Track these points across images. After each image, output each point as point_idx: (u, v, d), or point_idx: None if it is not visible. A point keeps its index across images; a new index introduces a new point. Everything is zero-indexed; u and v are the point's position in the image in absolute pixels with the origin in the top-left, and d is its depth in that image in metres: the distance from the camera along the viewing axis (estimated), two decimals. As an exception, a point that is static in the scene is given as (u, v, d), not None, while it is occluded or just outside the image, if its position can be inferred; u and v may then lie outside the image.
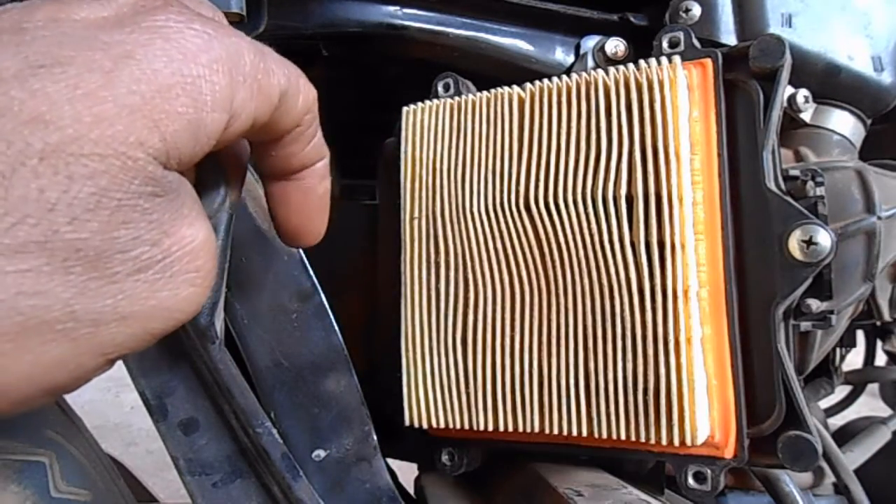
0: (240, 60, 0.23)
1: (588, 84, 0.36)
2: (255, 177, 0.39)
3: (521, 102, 0.38)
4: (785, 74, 0.34)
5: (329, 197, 0.32)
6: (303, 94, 0.29)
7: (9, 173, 0.18)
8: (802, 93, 0.44)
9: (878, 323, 0.58)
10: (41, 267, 0.18)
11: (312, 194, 0.30)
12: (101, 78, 0.19)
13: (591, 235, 0.35)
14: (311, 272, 0.39)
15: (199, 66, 0.22)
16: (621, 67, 0.35)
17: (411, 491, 0.45)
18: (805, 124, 0.46)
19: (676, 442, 0.33)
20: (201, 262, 0.23)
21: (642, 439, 0.33)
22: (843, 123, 0.47)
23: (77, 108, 0.19)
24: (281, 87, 0.26)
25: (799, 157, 0.46)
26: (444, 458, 0.41)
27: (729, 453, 0.34)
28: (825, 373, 0.65)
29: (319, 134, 0.32)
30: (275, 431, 0.37)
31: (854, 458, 0.59)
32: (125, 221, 0.20)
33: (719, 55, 0.35)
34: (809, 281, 0.34)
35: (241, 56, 0.24)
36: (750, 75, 0.35)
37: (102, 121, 0.19)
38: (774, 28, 0.42)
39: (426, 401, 0.39)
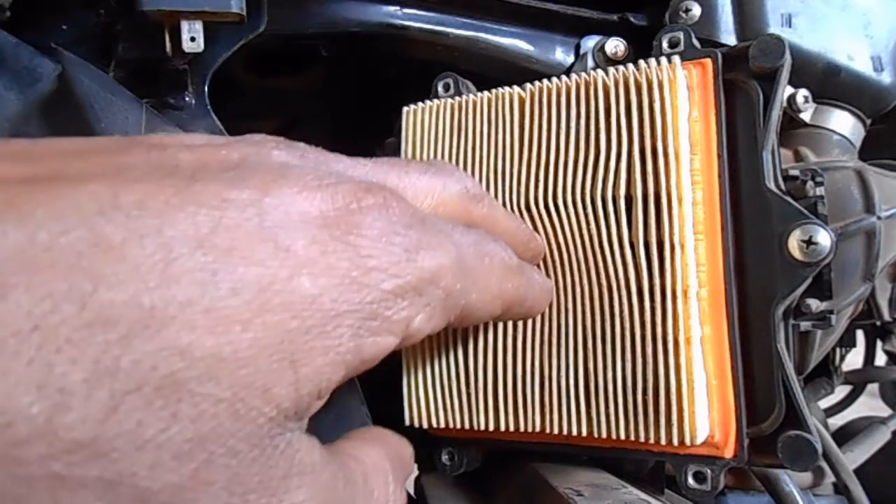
0: (434, 284, 0.21)
1: (588, 84, 0.36)
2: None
3: (522, 102, 0.38)
4: (785, 74, 0.34)
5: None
6: (500, 300, 0.26)
7: (120, 395, 0.15)
8: (802, 93, 0.44)
9: (878, 323, 0.58)
10: None
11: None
12: (259, 306, 0.17)
13: (591, 235, 0.35)
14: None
15: (380, 290, 0.19)
16: (621, 67, 0.35)
17: (411, 491, 0.45)
18: (805, 124, 0.46)
19: (676, 442, 0.33)
20: None
21: (642, 439, 0.33)
22: (843, 123, 0.47)
23: (220, 340, 0.16)
24: (470, 302, 0.24)
25: (799, 157, 0.46)
26: (444, 458, 0.41)
27: (729, 453, 0.34)
28: (825, 373, 0.65)
29: (534, 284, 0.31)
30: (275, 431, 0.37)
31: (854, 458, 0.59)
32: (207, 482, 0.16)
33: (719, 55, 0.35)
34: (809, 281, 0.34)
35: (437, 280, 0.21)
36: (750, 75, 0.35)
37: (235, 358, 0.16)
38: (774, 28, 0.42)
39: (426, 401, 0.39)
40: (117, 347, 0.15)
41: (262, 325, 0.17)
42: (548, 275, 0.36)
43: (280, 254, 0.18)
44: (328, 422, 0.39)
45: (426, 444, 0.41)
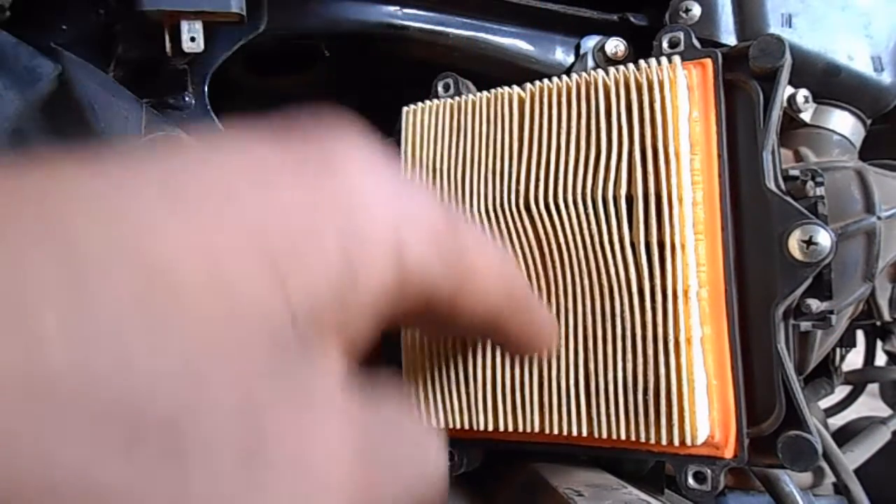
0: (424, 218, 0.20)
1: (588, 84, 0.36)
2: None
3: (521, 102, 0.38)
4: (785, 74, 0.34)
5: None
6: (504, 279, 0.24)
7: (101, 324, 0.14)
8: (802, 93, 0.44)
9: (878, 323, 0.58)
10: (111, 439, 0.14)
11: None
12: (242, 231, 0.17)
13: (591, 236, 0.35)
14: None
15: (365, 210, 0.19)
16: (621, 67, 0.35)
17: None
18: (805, 124, 0.46)
19: (676, 442, 0.33)
20: (325, 479, 0.17)
21: (642, 439, 0.33)
22: (843, 123, 0.47)
23: (203, 264, 0.16)
24: (471, 261, 0.22)
25: (799, 157, 0.46)
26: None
27: (729, 453, 0.34)
28: (825, 373, 0.65)
29: (541, 313, 0.29)
30: (275, 431, 0.37)
31: (854, 458, 0.59)
32: (213, 400, 0.15)
33: (719, 55, 0.35)
34: (809, 281, 0.34)
35: (427, 215, 0.20)
36: (750, 75, 0.35)
37: (220, 279, 0.16)
38: (774, 28, 0.42)
39: (426, 401, 0.39)
40: (94, 278, 0.15)
41: (244, 246, 0.16)
42: (548, 275, 0.36)
43: (257, 183, 0.17)
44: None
45: (426, 444, 0.41)
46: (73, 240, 0.15)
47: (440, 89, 0.43)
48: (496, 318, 0.25)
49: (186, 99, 0.39)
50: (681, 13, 0.42)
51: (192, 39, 0.35)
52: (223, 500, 0.15)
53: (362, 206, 0.19)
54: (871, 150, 0.51)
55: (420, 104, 0.41)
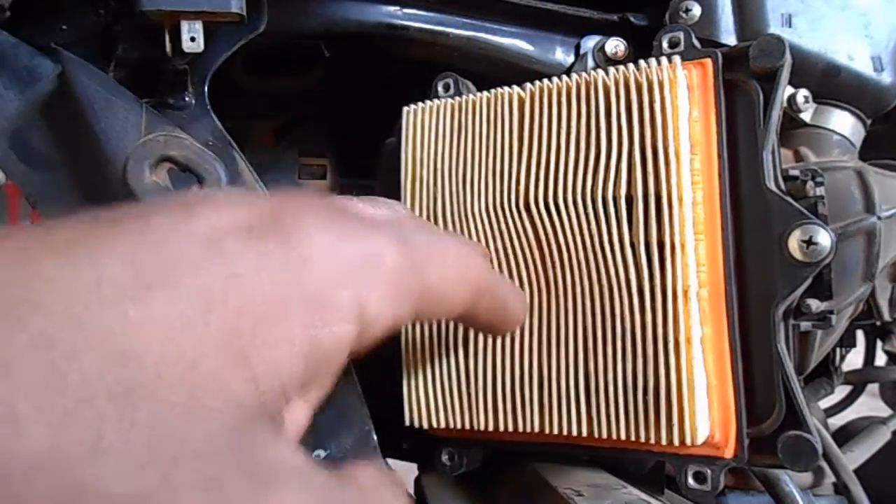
0: (378, 263, 0.21)
1: (588, 84, 0.36)
2: (254, 176, 0.39)
3: (521, 102, 0.38)
4: (785, 74, 0.34)
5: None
6: (466, 283, 0.26)
7: (73, 411, 0.15)
8: (802, 93, 0.44)
9: (878, 323, 0.58)
10: None
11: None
12: (199, 308, 0.17)
13: (591, 236, 0.35)
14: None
15: (318, 276, 0.19)
16: (621, 67, 0.35)
17: (411, 491, 0.45)
18: (805, 124, 0.46)
19: (676, 442, 0.33)
20: None
21: (642, 439, 0.33)
22: (843, 123, 0.47)
23: (167, 345, 0.16)
24: (430, 284, 0.23)
25: (799, 157, 0.46)
26: (444, 458, 0.41)
27: (729, 453, 0.34)
28: (825, 373, 0.65)
29: (507, 294, 0.30)
30: (275, 431, 0.37)
31: (854, 458, 0.59)
32: (179, 485, 0.16)
33: (719, 55, 0.35)
34: (809, 281, 0.34)
35: (379, 258, 0.21)
36: (750, 75, 0.35)
37: (185, 359, 0.17)
38: (774, 28, 0.42)
39: (426, 401, 0.39)
40: (63, 365, 0.15)
41: (205, 325, 0.17)
42: (547, 275, 0.36)
43: (213, 258, 0.18)
44: (328, 422, 0.39)
45: (426, 444, 0.41)
46: (45, 326, 0.15)
47: (440, 89, 0.43)
48: (462, 314, 0.27)
49: (186, 99, 0.39)
50: (681, 13, 0.42)
51: (192, 39, 0.35)
52: None
53: (320, 270, 0.20)
54: (871, 150, 0.51)
55: (420, 104, 0.41)
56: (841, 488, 0.51)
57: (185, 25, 0.35)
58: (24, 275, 0.16)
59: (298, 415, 0.20)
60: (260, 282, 0.18)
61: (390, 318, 0.22)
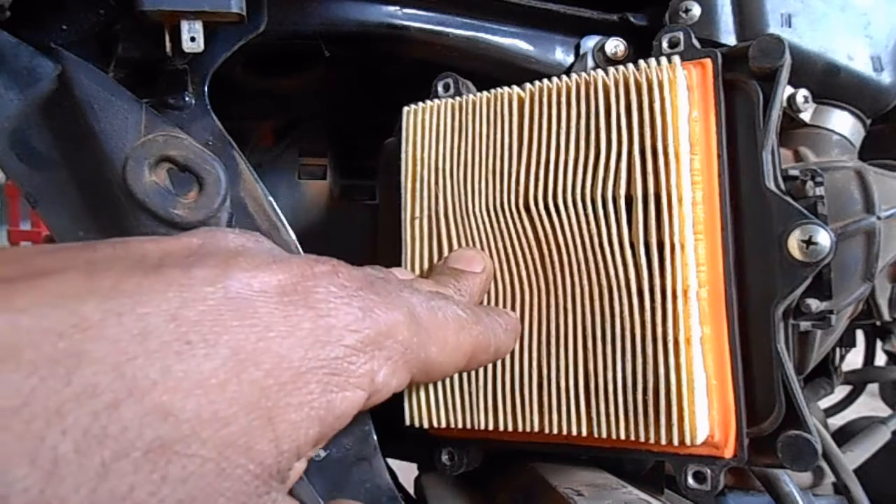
0: (391, 338, 0.23)
1: (588, 84, 0.36)
2: (254, 176, 0.39)
3: (521, 102, 0.38)
4: (784, 74, 0.34)
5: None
6: (462, 351, 0.29)
7: (109, 462, 0.16)
8: (802, 93, 0.44)
9: (878, 323, 0.58)
10: None
11: None
12: (233, 367, 0.18)
13: (591, 236, 0.35)
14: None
15: (341, 346, 0.21)
16: (621, 67, 0.35)
17: (411, 491, 0.45)
18: (805, 124, 0.46)
19: (676, 442, 0.33)
20: None
21: (642, 439, 0.33)
22: (843, 123, 0.47)
23: (203, 403, 0.17)
24: (431, 357, 0.26)
25: (798, 157, 0.46)
26: (444, 458, 0.41)
27: (729, 453, 0.34)
28: (825, 373, 0.65)
29: (496, 329, 0.33)
30: (275, 431, 0.37)
31: (854, 458, 0.59)
32: None
33: (719, 55, 0.35)
34: (809, 281, 0.34)
35: (394, 334, 0.23)
36: (750, 75, 0.35)
37: (218, 418, 0.18)
38: (774, 28, 0.42)
39: (426, 400, 0.39)
40: (104, 416, 0.16)
41: (237, 385, 0.18)
42: (547, 275, 0.36)
43: (246, 320, 0.19)
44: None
45: (426, 444, 0.41)
46: (91, 375, 0.16)
47: (440, 89, 0.43)
48: (461, 369, 0.29)
49: (186, 99, 0.39)
50: (681, 13, 0.42)
51: (192, 39, 0.35)
52: None
53: (341, 341, 0.21)
54: (871, 150, 0.51)
55: (420, 104, 0.41)
56: (841, 488, 0.51)
57: (185, 25, 0.35)
58: (71, 322, 0.17)
59: (303, 463, 0.22)
60: (290, 347, 0.20)
61: (394, 387, 0.24)
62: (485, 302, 0.38)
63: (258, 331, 0.19)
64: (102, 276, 0.18)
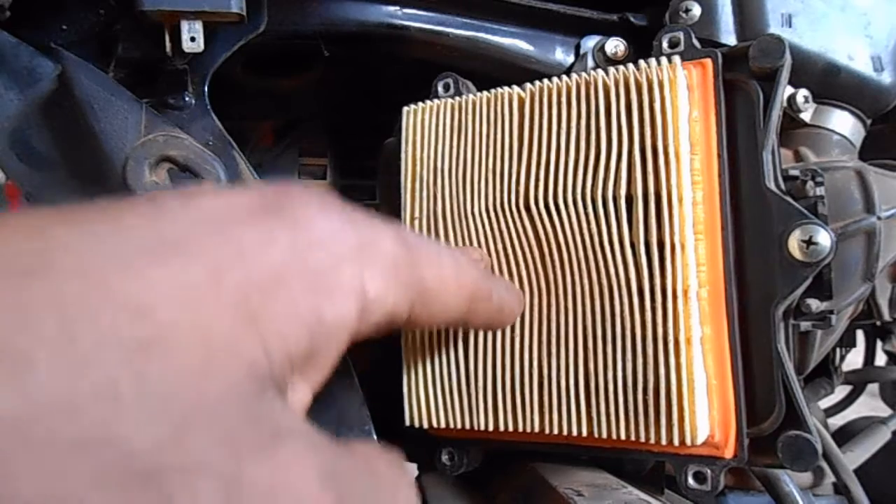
0: (379, 249, 0.22)
1: (588, 84, 0.36)
2: (254, 176, 0.39)
3: (521, 102, 0.38)
4: (785, 74, 0.34)
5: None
6: (462, 288, 0.27)
7: (84, 358, 0.15)
8: (802, 93, 0.44)
9: (878, 323, 0.58)
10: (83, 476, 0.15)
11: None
12: (212, 273, 0.18)
13: (591, 235, 0.35)
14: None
15: (326, 253, 0.20)
16: (621, 67, 0.35)
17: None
18: (805, 124, 0.46)
19: (676, 442, 0.33)
20: None
21: (642, 439, 0.33)
22: (843, 123, 0.47)
23: (182, 305, 0.17)
24: (426, 280, 0.24)
25: (799, 157, 0.46)
26: (444, 458, 0.41)
27: (729, 453, 0.34)
28: (825, 373, 0.65)
29: (503, 299, 0.31)
30: (275, 431, 0.37)
31: (854, 458, 0.59)
32: (194, 440, 0.16)
33: (719, 55, 0.35)
34: (809, 281, 0.34)
35: (382, 246, 0.22)
36: (750, 75, 0.35)
37: (199, 320, 0.17)
38: (774, 28, 0.42)
39: (426, 401, 0.39)
40: (77, 316, 0.16)
41: (217, 289, 0.18)
42: (547, 275, 0.36)
43: (221, 235, 0.19)
44: (328, 422, 0.39)
45: (426, 444, 0.41)
46: (60, 282, 0.16)
47: (440, 89, 0.43)
48: (459, 320, 0.28)
49: (186, 99, 0.39)
50: (681, 13, 0.42)
51: (192, 39, 0.35)
52: None
53: (324, 249, 0.21)
54: (871, 150, 0.51)
55: (420, 104, 0.41)
56: (841, 488, 0.51)
57: (185, 25, 0.35)
58: (41, 242, 0.16)
59: (301, 393, 0.21)
60: (266, 257, 0.19)
61: (388, 304, 0.22)
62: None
63: (236, 242, 0.19)
64: (71, 212, 0.18)
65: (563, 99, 0.36)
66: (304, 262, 0.20)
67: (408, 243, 0.24)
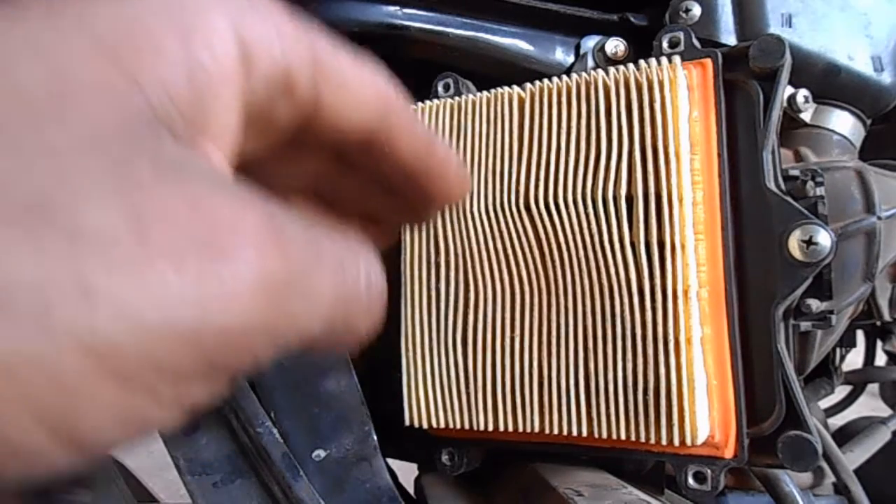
0: (258, 4, 0.20)
1: (588, 84, 0.36)
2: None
3: (521, 102, 0.38)
4: (785, 74, 0.34)
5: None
6: (374, 84, 0.23)
7: None
8: (802, 93, 0.44)
9: (878, 323, 0.58)
10: None
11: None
12: (74, 22, 0.16)
13: (591, 235, 0.35)
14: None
15: (187, 3, 0.18)
16: (621, 67, 0.35)
17: (411, 491, 0.45)
18: (805, 124, 0.46)
19: (676, 442, 0.33)
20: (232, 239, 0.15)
21: (642, 439, 0.33)
22: (843, 123, 0.47)
23: (34, 53, 0.15)
24: (323, 50, 0.22)
25: (799, 157, 0.46)
26: (444, 458, 0.41)
27: (729, 453, 0.34)
28: (825, 373, 0.65)
29: (432, 138, 0.26)
30: (275, 431, 0.37)
31: (854, 458, 0.59)
32: (76, 184, 0.14)
33: (719, 55, 0.35)
34: (809, 281, 0.34)
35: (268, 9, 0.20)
36: (750, 75, 0.35)
37: (53, 58, 0.15)
38: (774, 28, 0.42)
39: (426, 401, 0.39)
40: None
41: (80, 36, 0.16)
42: (548, 275, 0.36)
43: None
44: (328, 422, 0.39)
45: (426, 444, 0.41)
46: None
47: (440, 89, 0.43)
48: (371, 130, 0.23)
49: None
50: (681, 13, 0.42)
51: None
52: (119, 280, 0.14)
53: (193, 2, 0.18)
54: (871, 150, 0.51)
55: (420, 104, 0.41)
56: (841, 488, 0.51)
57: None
58: None
59: (215, 158, 0.19)
60: (120, 6, 0.17)
61: (276, 54, 0.20)
62: (488, 302, 0.38)
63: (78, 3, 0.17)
64: None
65: (563, 99, 0.36)
66: (165, 10, 0.18)
67: (300, 23, 0.21)
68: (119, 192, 0.14)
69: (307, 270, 0.17)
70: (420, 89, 0.43)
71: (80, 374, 0.14)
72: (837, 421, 0.78)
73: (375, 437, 0.38)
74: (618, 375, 0.34)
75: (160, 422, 0.15)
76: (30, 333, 0.13)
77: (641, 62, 0.35)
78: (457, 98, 0.40)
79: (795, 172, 0.36)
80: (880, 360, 0.82)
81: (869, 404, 0.85)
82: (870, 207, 0.45)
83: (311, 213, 0.25)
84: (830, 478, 0.54)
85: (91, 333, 0.13)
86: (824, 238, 0.32)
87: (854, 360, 0.76)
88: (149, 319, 0.14)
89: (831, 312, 0.36)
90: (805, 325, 0.36)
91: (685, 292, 0.33)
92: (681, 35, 0.36)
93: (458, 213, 0.39)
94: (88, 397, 0.14)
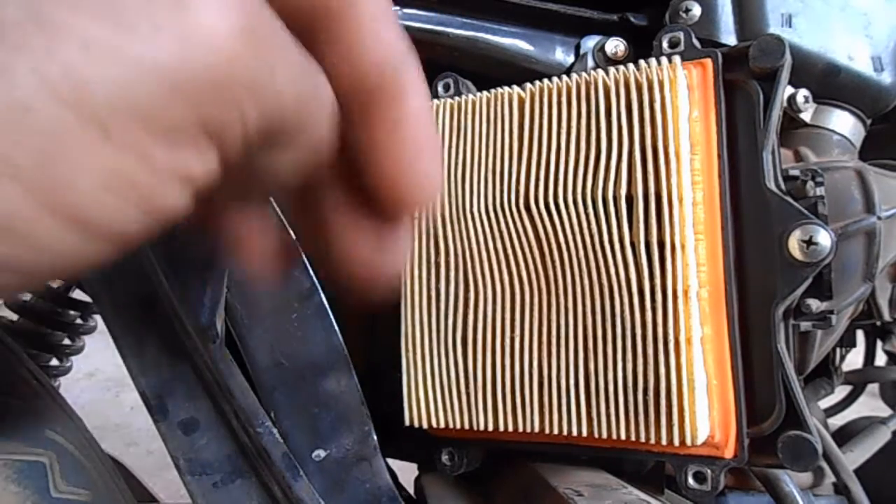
0: None
1: (588, 84, 0.36)
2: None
3: (521, 102, 0.38)
4: (785, 74, 0.34)
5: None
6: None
7: None
8: (802, 93, 0.44)
9: (878, 323, 0.58)
10: None
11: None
12: None
13: (591, 235, 0.35)
14: (312, 272, 0.39)
15: None
16: (621, 67, 0.35)
17: (411, 491, 0.45)
18: (805, 124, 0.46)
19: (676, 442, 0.33)
20: None
21: (642, 439, 0.33)
22: (843, 123, 0.47)
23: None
24: None
25: (799, 157, 0.46)
26: (444, 458, 0.41)
27: (729, 453, 0.34)
28: (825, 373, 0.65)
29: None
30: (275, 431, 0.37)
31: (854, 458, 0.59)
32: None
33: (719, 55, 0.35)
34: (809, 281, 0.34)
35: None
36: (750, 75, 0.35)
37: None
38: (774, 28, 0.42)
39: (426, 401, 0.39)
40: None
41: None
42: (548, 275, 0.36)
43: None
44: (328, 422, 0.39)
45: (426, 444, 0.41)
46: None
47: (440, 89, 0.43)
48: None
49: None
50: (681, 13, 0.42)
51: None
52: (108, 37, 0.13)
53: None
54: (871, 150, 0.51)
55: (420, 104, 0.41)
56: (841, 488, 0.51)
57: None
58: None
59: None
60: None
61: None
62: (488, 302, 0.38)
63: None
64: None
65: (563, 99, 0.36)
66: None
67: None
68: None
69: (278, 41, 0.16)
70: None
71: (57, 123, 0.12)
72: (837, 421, 0.78)
73: (375, 437, 0.38)
74: (618, 375, 0.34)
75: (161, 196, 0.14)
76: None
77: (641, 62, 0.35)
78: (457, 98, 0.40)
79: (795, 172, 0.36)
80: (880, 360, 0.82)
81: (869, 404, 0.85)
82: (870, 207, 0.45)
83: None
84: (830, 478, 0.54)
85: (63, 75, 0.12)
86: (824, 238, 0.32)
87: (854, 360, 0.76)
88: (123, 57, 0.13)
89: (831, 312, 0.36)
90: (805, 325, 0.36)
91: (685, 292, 0.33)
92: (681, 35, 0.36)
93: (458, 213, 0.39)
94: (71, 154, 0.12)
